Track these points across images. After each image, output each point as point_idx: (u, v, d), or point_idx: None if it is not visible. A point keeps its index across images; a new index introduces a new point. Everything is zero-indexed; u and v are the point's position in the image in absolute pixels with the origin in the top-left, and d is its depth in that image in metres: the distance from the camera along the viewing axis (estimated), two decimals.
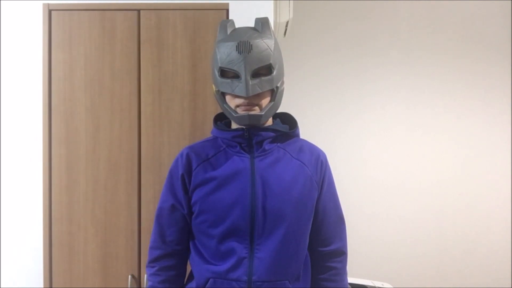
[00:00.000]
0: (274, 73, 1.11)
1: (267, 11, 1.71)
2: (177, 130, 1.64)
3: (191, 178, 1.17)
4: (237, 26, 1.18)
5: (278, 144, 1.19)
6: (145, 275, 1.09)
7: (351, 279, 1.89)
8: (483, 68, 2.75)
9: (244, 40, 1.08)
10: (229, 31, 1.14)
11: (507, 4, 2.74)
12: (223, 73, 1.12)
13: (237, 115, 1.12)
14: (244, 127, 1.15)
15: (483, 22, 2.75)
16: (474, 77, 2.75)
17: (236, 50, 1.07)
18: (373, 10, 2.76)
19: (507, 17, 2.75)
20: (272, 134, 1.17)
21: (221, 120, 1.27)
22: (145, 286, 1.09)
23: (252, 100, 1.10)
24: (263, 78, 1.10)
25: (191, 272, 1.22)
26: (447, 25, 2.76)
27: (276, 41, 1.14)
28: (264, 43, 1.09)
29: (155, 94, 1.62)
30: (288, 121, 1.28)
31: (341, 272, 1.25)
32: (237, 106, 1.12)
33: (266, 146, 1.16)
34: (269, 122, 1.21)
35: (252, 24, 1.21)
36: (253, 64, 1.07)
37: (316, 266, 1.24)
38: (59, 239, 1.65)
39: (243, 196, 1.11)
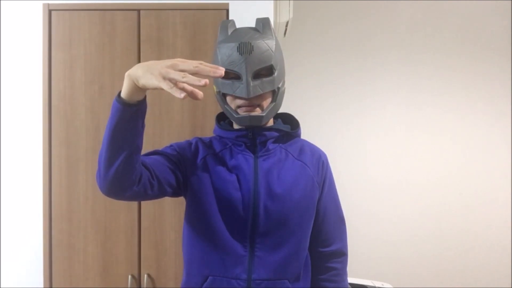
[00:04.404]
0: (276, 74, 1.11)
1: (267, 11, 1.71)
2: (177, 130, 1.64)
3: (194, 165, 1.15)
4: (237, 26, 1.18)
5: (280, 144, 1.19)
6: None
7: (351, 279, 1.89)
8: (483, 68, 2.75)
9: (245, 41, 1.07)
10: (230, 32, 1.13)
11: (507, 4, 2.75)
12: (224, 74, 1.11)
13: (238, 116, 1.12)
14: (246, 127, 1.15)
15: (483, 22, 2.75)
16: (474, 77, 2.75)
17: (237, 51, 1.07)
18: (373, 10, 2.76)
19: (507, 17, 2.75)
20: (275, 134, 1.17)
21: (223, 119, 1.27)
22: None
23: (253, 101, 1.10)
24: (264, 79, 1.09)
25: (189, 270, 1.22)
26: (447, 25, 2.76)
27: (277, 42, 1.14)
28: (265, 44, 1.09)
29: (155, 94, 1.62)
30: (289, 121, 1.27)
31: (341, 272, 1.25)
32: (238, 107, 1.12)
33: (270, 146, 1.17)
34: (270, 122, 1.21)
35: (252, 24, 1.20)
36: (254, 65, 1.07)
37: (316, 267, 1.24)
38: (59, 239, 1.65)
39: (245, 195, 1.11)
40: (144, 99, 0.92)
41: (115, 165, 0.92)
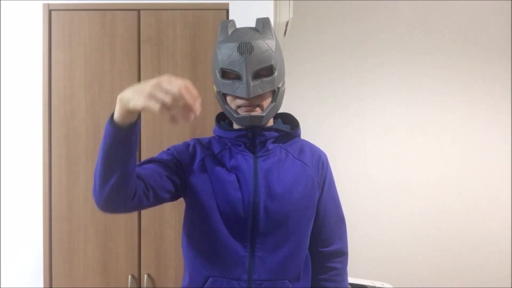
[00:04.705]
0: (276, 74, 1.11)
1: (267, 11, 1.71)
2: (177, 130, 1.64)
3: (192, 167, 1.15)
4: (237, 26, 1.18)
5: (280, 144, 1.19)
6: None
7: (351, 279, 1.89)
8: (483, 68, 2.75)
9: (245, 41, 1.07)
10: (230, 32, 1.13)
11: (507, 4, 2.75)
12: (224, 74, 1.12)
13: (238, 116, 1.12)
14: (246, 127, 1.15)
15: (483, 22, 2.75)
16: (474, 77, 2.75)
17: (237, 51, 1.07)
18: (373, 10, 2.76)
19: (507, 17, 2.75)
20: (275, 134, 1.17)
21: (223, 119, 1.27)
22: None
23: (253, 101, 1.10)
24: (264, 79, 1.09)
25: (190, 271, 1.22)
26: (447, 25, 2.76)
27: (277, 42, 1.14)
28: (265, 44, 1.09)
29: None
30: (289, 121, 1.27)
31: (342, 272, 1.25)
32: (238, 107, 1.12)
33: (269, 146, 1.17)
34: (270, 122, 1.21)
35: (252, 24, 1.20)
36: (254, 65, 1.07)
37: (316, 267, 1.24)
38: (59, 239, 1.65)
39: (245, 195, 1.11)
40: (137, 121, 0.92)
41: (110, 183, 0.93)
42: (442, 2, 2.75)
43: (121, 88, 1.66)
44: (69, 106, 1.64)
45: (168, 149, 1.19)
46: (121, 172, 0.92)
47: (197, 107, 0.83)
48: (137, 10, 1.65)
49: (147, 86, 0.81)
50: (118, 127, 0.88)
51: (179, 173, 1.14)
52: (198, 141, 1.21)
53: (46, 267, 1.65)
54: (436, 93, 2.76)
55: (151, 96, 0.80)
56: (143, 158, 1.62)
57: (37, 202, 1.73)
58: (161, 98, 0.79)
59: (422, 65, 2.76)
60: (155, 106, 0.79)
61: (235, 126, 1.20)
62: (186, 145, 1.20)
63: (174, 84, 0.80)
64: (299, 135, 1.26)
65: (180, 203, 1.21)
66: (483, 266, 2.75)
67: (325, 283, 1.23)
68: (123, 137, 0.90)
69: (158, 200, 1.09)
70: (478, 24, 2.75)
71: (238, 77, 1.08)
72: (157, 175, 1.08)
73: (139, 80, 1.63)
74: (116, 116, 0.88)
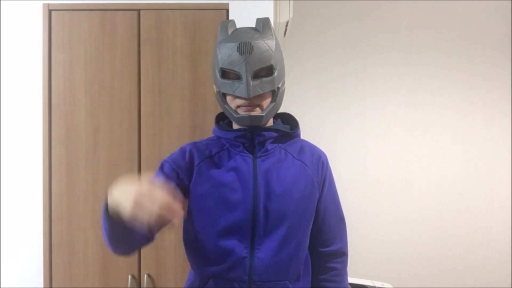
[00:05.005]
0: (275, 74, 1.11)
1: (267, 11, 1.71)
2: (177, 130, 1.64)
3: (192, 173, 1.15)
4: (237, 26, 1.18)
5: (280, 144, 1.19)
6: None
7: (351, 279, 1.89)
8: (483, 68, 2.75)
9: (245, 41, 1.07)
10: (230, 32, 1.13)
11: (507, 4, 2.74)
12: (224, 74, 1.12)
13: (238, 116, 1.12)
14: (246, 127, 1.15)
15: (483, 22, 2.75)
16: (474, 77, 2.75)
17: (237, 51, 1.07)
18: (373, 10, 2.76)
19: (507, 17, 2.75)
20: (274, 134, 1.17)
21: (223, 119, 1.27)
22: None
23: (253, 101, 1.10)
24: (264, 79, 1.09)
25: (190, 272, 1.22)
26: (447, 25, 2.76)
27: (277, 42, 1.14)
28: (265, 44, 1.09)
29: (155, 94, 1.62)
30: (289, 121, 1.27)
31: (342, 272, 1.25)
32: (238, 106, 1.12)
33: (268, 146, 1.16)
34: (270, 122, 1.21)
35: (252, 24, 1.20)
36: (254, 65, 1.07)
37: (316, 267, 1.24)
38: (59, 239, 1.65)
39: (245, 196, 1.10)
40: None
41: (119, 248, 1.05)
42: (442, 2, 2.75)
43: (121, 88, 1.65)
44: (69, 106, 1.65)
45: (166, 162, 1.18)
46: (127, 240, 1.01)
47: (177, 221, 0.89)
48: (137, 10, 1.65)
49: (132, 194, 0.85)
50: (114, 219, 0.94)
51: (181, 185, 1.15)
52: (195, 145, 1.21)
53: (46, 267, 1.65)
54: (436, 93, 2.76)
55: (137, 208, 0.84)
56: (143, 158, 1.62)
57: (37, 202, 1.74)
58: (145, 218, 0.84)
59: (422, 65, 2.76)
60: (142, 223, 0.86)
61: (235, 126, 1.20)
62: (182, 152, 1.19)
63: (156, 198, 0.85)
64: (298, 135, 1.26)
65: None
66: (483, 266, 2.75)
67: (325, 283, 1.23)
68: (120, 224, 0.94)
69: (162, 228, 1.12)
70: (478, 24, 2.75)
71: (238, 77, 1.08)
72: None
73: (139, 80, 1.63)
74: (110, 210, 0.94)
